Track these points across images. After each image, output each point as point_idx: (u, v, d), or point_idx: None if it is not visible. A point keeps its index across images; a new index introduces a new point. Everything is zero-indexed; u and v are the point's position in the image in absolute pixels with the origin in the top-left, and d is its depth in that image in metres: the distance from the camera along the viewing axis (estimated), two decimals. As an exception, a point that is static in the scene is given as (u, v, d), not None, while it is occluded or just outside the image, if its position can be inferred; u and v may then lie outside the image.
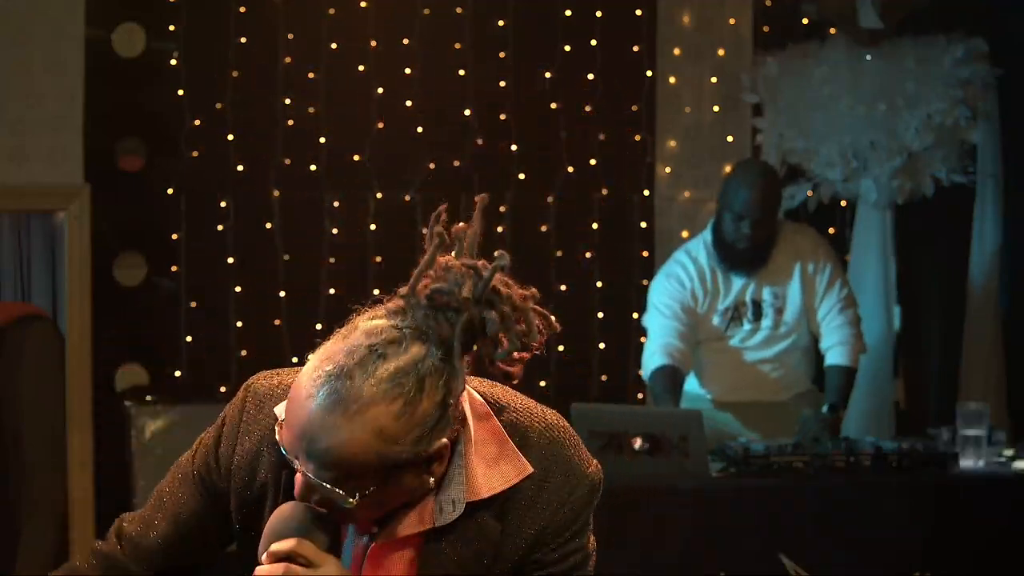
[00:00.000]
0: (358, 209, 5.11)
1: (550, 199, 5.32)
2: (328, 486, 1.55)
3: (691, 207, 5.43)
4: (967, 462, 3.92)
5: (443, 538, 1.66)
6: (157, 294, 5.00)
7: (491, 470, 1.66)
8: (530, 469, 1.68)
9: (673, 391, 4.28)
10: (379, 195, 5.10)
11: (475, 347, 1.62)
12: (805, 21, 5.48)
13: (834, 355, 4.46)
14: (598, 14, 5.34)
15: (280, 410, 1.63)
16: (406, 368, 1.55)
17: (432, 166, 5.07)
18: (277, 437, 1.60)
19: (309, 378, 1.56)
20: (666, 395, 4.26)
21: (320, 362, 1.57)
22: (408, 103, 5.12)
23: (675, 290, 4.45)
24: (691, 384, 4.51)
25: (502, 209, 5.22)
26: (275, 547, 1.58)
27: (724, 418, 4.41)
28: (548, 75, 5.31)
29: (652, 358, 4.36)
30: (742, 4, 5.44)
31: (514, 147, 5.27)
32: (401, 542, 1.66)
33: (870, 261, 5.29)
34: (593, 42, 5.35)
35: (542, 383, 5.12)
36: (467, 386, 1.66)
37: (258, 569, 1.59)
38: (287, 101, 5.01)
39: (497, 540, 1.67)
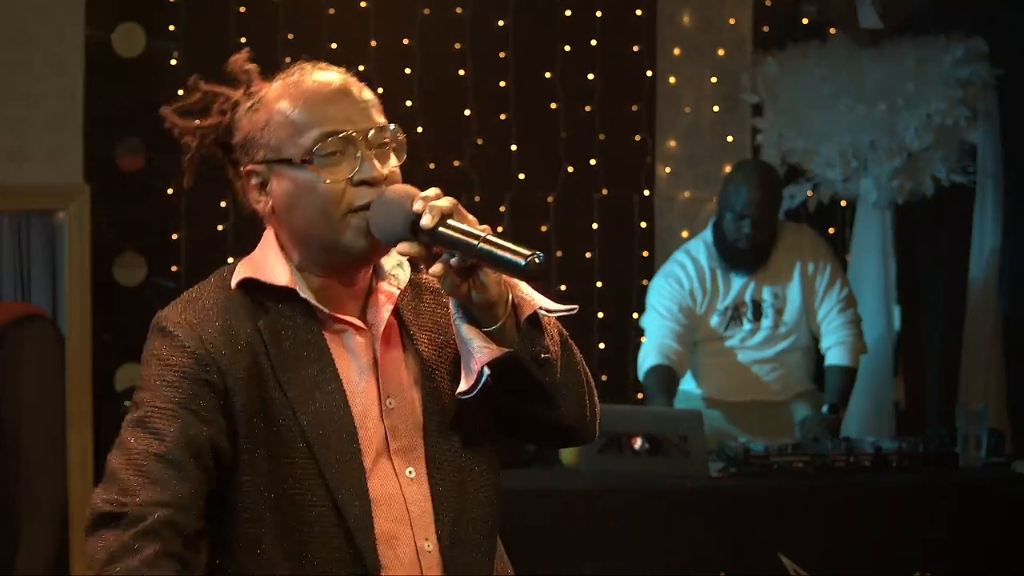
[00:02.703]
0: (358, 209, 5.11)
1: (550, 199, 5.32)
2: (391, 125, 1.82)
3: (691, 207, 5.43)
4: (967, 462, 3.92)
5: (409, 305, 1.89)
6: (157, 294, 5.00)
7: None
8: None
9: (666, 390, 4.28)
10: (379, 195, 5.10)
11: None
12: (805, 21, 5.48)
13: (834, 355, 4.46)
14: (598, 14, 5.35)
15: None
16: None
17: (432, 166, 5.07)
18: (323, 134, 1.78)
19: (293, 87, 1.83)
20: (659, 394, 4.26)
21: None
22: (408, 103, 5.12)
23: (673, 290, 4.45)
24: (685, 383, 4.51)
25: (502, 209, 5.22)
26: (434, 197, 1.73)
27: (712, 415, 4.41)
28: (548, 75, 5.31)
29: (647, 358, 4.37)
30: (742, 4, 5.44)
31: (514, 147, 5.27)
32: (389, 326, 1.85)
33: (870, 261, 5.28)
34: (593, 42, 5.35)
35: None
36: None
37: (428, 192, 1.74)
38: (287, 101, 5.01)
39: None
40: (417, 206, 1.72)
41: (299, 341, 1.80)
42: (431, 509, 1.81)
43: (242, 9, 5.02)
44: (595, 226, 5.37)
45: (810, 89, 5.17)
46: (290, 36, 5.05)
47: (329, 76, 1.84)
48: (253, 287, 1.84)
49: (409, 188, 1.77)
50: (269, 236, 1.88)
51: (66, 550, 4.69)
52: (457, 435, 1.85)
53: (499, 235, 1.69)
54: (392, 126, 1.84)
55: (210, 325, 1.79)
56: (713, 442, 3.98)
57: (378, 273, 1.88)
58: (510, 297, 1.78)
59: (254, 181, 1.86)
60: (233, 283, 1.84)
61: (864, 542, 3.68)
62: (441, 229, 1.69)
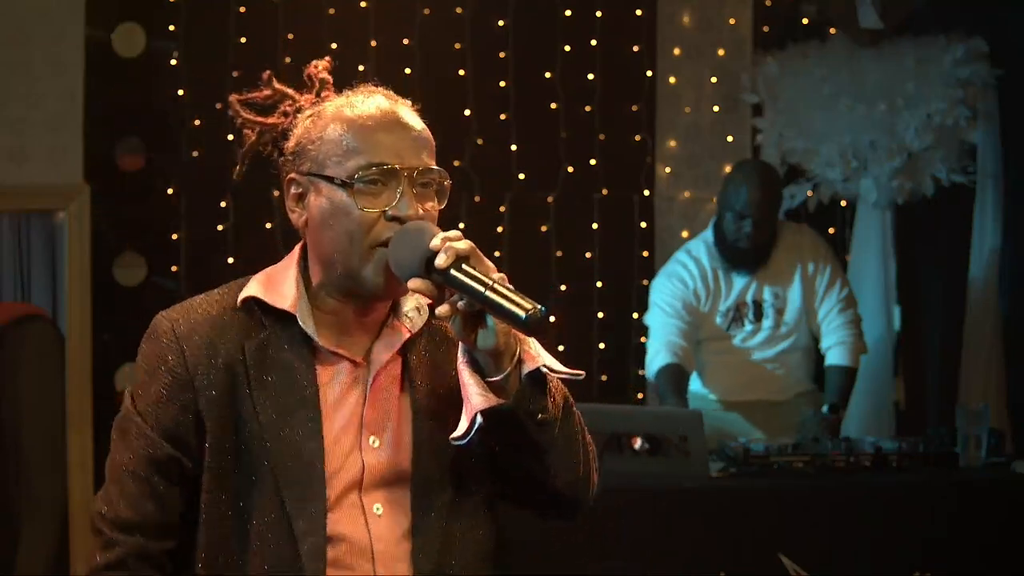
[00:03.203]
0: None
1: (550, 199, 5.32)
2: (435, 167, 1.84)
3: (691, 207, 5.43)
4: (967, 462, 3.92)
5: (419, 350, 1.87)
6: (157, 294, 5.00)
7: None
8: None
9: (679, 390, 4.28)
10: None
11: None
12: (805, 21, 5.48)
13: (834, 355, 4.46)
14: (598, 14, 5.35)
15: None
16: None
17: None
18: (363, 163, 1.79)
19: (351, 107, 1.85)
20: (672, 394, 4.25)
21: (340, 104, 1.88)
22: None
23: (677, 289, 4.45)
24: (694, 384, 4.51)
25: (502, 209, 5.22)
26: (455, 239, 1.72)
27: (730, 418, 4.41)
28: (548, 75, 5.31)
29: (656, 357, 4.36)
30: (742, 4, 5.45)
31: (514, 147, 5.27)
32: (389, 370, 1.85)
33: (870, 261, 5.29)
34: (593, 42, 5.35)
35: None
36: None
37: (450, 233, 1.73)
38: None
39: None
40: (435, 244, 1.72)
41: (286, 367, 1.81)
42: (404, 550, 1.81)
43: (242, 9, 5.02)
44: (595, 226, 5.37)
45: (810, 89, 5.17)
46: (290, 36, 5.05)
47: (389, 105, 1.86)
48: (259, 305, 1.85)
49: (432, 226, 1.77)
50: (295, 252, 1.90)
51: (66, 550, 4.68)
52: (447, 483, 1.84)
53: (510, 287, 1.69)
54: (438, 170, 1.84)
55: (195, 340, 1.82)
56: (713, 442, 3.98)
57: (396, 312, 1.88)
58: (518, 351, 1.77)
59: (294, 190, 1.86)
60: (239, 299, 1.85)
61: (864, 542, 3.68)
62: (453, 272, 1.69)
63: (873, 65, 5.11)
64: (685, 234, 5.29)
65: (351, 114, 1.84)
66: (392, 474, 1.83)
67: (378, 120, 1.83)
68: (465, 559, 1.85)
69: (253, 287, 1.86)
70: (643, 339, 4.61)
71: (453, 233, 1.74)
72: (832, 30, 5.36)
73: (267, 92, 1.96)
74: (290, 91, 1.95)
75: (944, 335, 5.32)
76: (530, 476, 1.86)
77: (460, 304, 1.71)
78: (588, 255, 5.38)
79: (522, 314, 1.64)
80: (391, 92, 1.91)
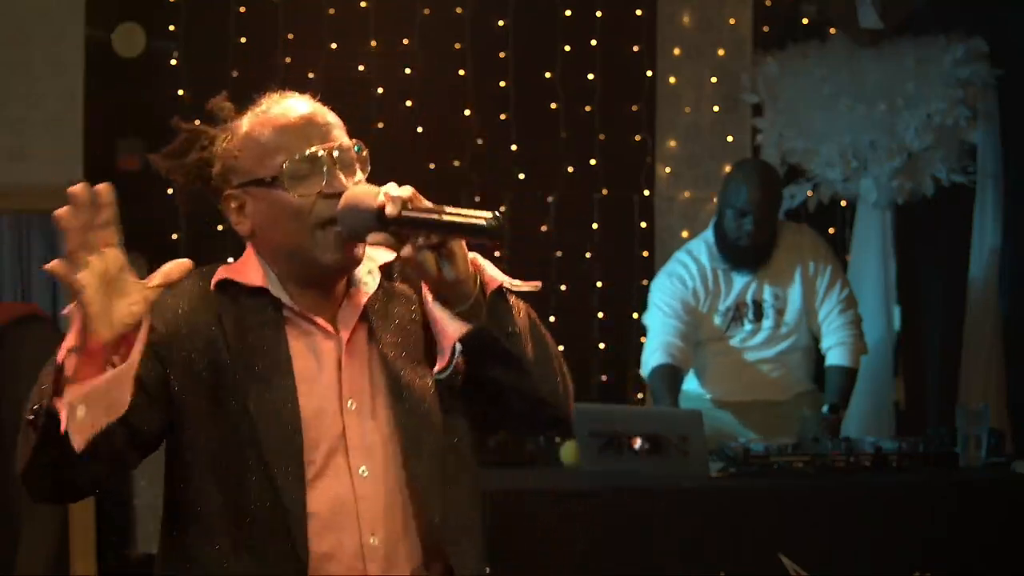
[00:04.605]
0: (358, 209, 5.11)
1: (550, 199, 5.32)
2: (350, 140, 1.92)
3: (691, 207, 5.43)
4: (967, 462, 3.92)
5: (379, 311, 1.97)
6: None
7: (374, 251, 2.00)
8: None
9: (671, 390, 4.28)
10: (379, 195, 5.10)
11: None
12: (805, 21, 5.48)
13: (835, 355, 4.46)
14: (598, 14, 5.35)
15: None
16: None
17: (432, 166, 5.07)
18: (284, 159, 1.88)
19: (261, 113, 1.94)
20: (664, 393, 4.26)
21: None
22: (408, 103, 5.12)
23: (676, 289, 4.45)
24: (691, 384, 4.51)
25: (502, 209, 5.22)
26: (394, 189, 1.83)
27: (723, 417, 4.41)
28: (548, 75, 5.31)
29: (652, 356, 4.36)
30: (742, 4, 5.45)
31: (514, 147, 5.28)
32: (357, 331, 1.95)
33: (870, 261, 5.28)
34: (593, 42, 5.35)
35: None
36: None
37: (388, 186, 1.84)
38: (287, 101, 5.01)
39: (413, 296, 1.99)
40: (380, 200, 1.82)
41: (261, 336, 1.91)
42: (391, 504, 1.90)
43: (242, 9, 5.03)
44: (595, 226, 5.37)
45: (810, 89, 5.17)
46: (290, 36, 5.05)
47: (294, 103, 1.95)
48: (230, 286, 1.96)
49: (368, 187, 1.88)
50: (250, 251, 2.01)
51: (66, 550, 4.68)
52: (431, 430, 1.94)
53: (457, 209, 1.80)
54: (355, 144, 1.94)
55: (179, 308, 1.94)
56: (713, 442, 3.98)
57: (351, 281, 1.98)
58: (478, 278, 1.88)
59: (233, 204, 1.98)
60: (212, 283, 1.96)
61: (864, 542, 3.68)
62: (404, 215, 1.80)
63: (873, 65, 5.11)
64: (685, 234, 5.29)
65: (263, 119, 1.94)
66: (374, 433, 1.91)
67: (288, 117, 1.93)
68: (458, 503, 1.95)
69: (222, 273, 1.98)
70: (643, 339, 4.61)
71: (391, 185, 1.85)
72: (832, 30, 5.36)
73: (182, 138, 2.04)
74: (202, 127, 2.03)
75: (944, 335, 5.32)
76: (516, 390, 1.94)
77: (420, 240, 1.81)
78: (588, 255, 5.38)
79: (483, 223, 1.76)
80: (291, 92, 2.00)
